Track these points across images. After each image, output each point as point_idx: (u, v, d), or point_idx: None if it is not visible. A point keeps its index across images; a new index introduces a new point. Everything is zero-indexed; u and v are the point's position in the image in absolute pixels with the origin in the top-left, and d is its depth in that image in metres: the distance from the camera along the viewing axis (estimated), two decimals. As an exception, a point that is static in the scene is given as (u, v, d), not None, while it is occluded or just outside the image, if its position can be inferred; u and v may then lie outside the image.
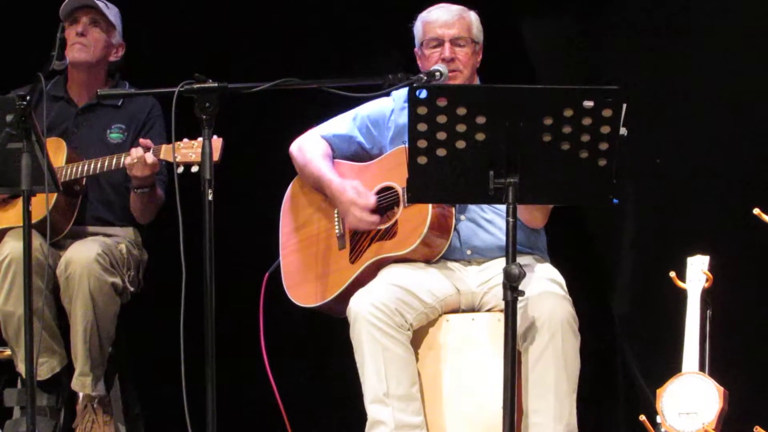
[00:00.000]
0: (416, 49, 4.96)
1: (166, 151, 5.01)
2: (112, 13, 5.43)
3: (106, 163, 5.11)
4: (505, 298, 3.94)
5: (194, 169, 4.80)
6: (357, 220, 4.77)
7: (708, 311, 4.68)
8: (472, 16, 4.92)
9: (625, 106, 3.89)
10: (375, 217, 4.77)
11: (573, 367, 4.47)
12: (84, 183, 5.25)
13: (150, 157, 5.01)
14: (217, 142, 4.79)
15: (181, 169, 4.84)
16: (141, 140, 5.09)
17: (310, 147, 5.01)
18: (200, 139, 4.18)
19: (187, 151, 4.89)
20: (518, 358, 4.39)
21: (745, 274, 5.05)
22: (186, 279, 4.13)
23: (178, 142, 4.89)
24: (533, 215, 4.67)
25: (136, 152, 5.01)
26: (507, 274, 3.92)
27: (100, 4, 5.38)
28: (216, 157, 4.76)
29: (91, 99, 5.38)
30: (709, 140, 5.29)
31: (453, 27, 4.86)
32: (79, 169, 5.14)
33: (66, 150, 5.19)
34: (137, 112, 5.40)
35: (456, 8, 4.93)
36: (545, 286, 4.54)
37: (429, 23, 4.90)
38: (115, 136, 5.37)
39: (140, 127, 5.37)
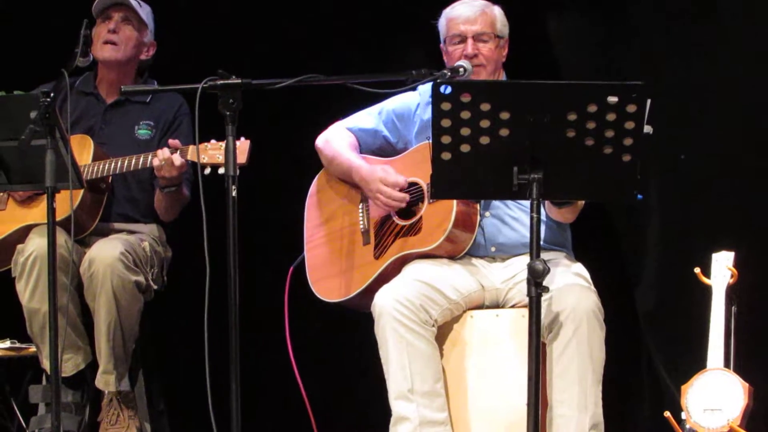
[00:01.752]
0: (441, 45, 4.96)
1: (193, 152, 5.02)
2: (145, 11, 5.44)
3: (132, 162, 5.10)
4: (529, 294, 3.93)
5: (221, 170, 4.79)
6: (384, 196, 4.74)
7: (733, 307, 4.66)
8: (496, 11, 4.91)
9: (649, 102, 3.88)
10: (401, 195, 4.74)
11: (598, 358, 4.45)
12: (110, 181, 5.25)
13: (178, 159, 5.01)
14: (244, 144, 4.80)
15: (208, 170, 4.86)
16: (170, 141, 5.10)
17: (337, 139, 5.01)
18: None
19: (215, 152, 4.89)
20: (543, 351, 4.38)
21: (771, 271, 5.03)
22: (210, 275, 4.14)
23: (206, 144, 4.90)
24: (561, 211, 4.66)
25: (163, 153, 5.02)
26: (531, 269, 3.91)
27: (133, 2, 5.39)
28: (243, 159, 4.78)
29: (119, 96, 5.39)
30: (733, 136, 5.26)
31: (475, 23, 4.86)
32: (106, 167, 5.13)
33: (93, 147, 5.18)
34: (166, 110, 5.40)
35: (479, 3, 4.92)
36: (570, 279, 4.54)
37: (452, 19, 4.90)
38: (143, 132, 5.37)
39: (168, 125, 5.38)
